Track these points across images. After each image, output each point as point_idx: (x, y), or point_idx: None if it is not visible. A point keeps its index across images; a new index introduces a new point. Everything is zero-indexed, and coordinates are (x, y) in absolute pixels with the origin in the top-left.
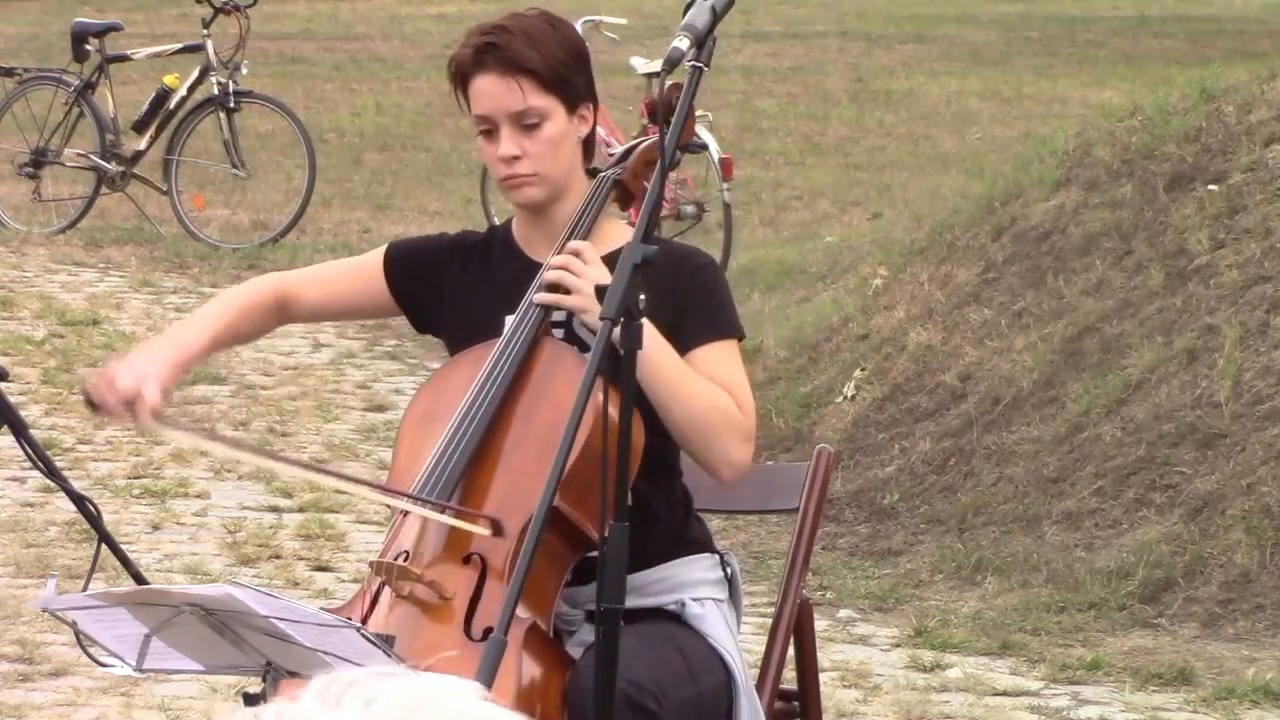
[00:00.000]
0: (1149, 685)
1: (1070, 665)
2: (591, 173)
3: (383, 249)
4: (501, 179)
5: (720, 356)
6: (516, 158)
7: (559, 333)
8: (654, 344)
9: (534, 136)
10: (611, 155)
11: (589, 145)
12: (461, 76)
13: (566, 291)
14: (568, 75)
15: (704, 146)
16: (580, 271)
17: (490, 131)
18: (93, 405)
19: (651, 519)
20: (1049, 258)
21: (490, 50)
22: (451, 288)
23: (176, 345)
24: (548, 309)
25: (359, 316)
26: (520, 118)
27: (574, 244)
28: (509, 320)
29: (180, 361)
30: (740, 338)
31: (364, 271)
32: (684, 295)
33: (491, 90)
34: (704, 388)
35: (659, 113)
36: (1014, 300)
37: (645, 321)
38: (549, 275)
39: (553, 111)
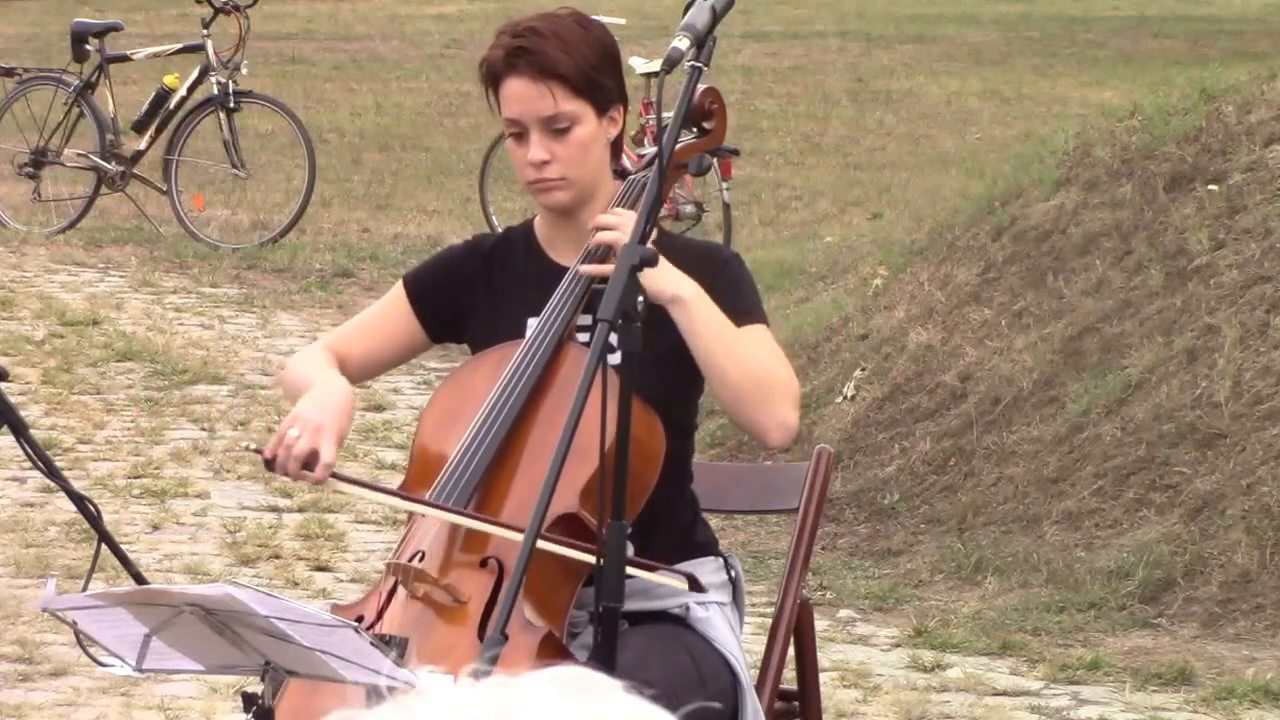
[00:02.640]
0: (1149, 685)
1: (1070, 665)
2: (620, 174)
3: (399, 286)
4: (530, 182)
5: (757, 334)
6: (546, 162)
7: (583, 337)
8: (705, 305)
9: (564, 141)
10: (641, 157)
11: (617, 146)
12: (492, 78)
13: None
14: (598, 78)
15: (735, 151)
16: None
17: (520, 135)
18: (270, 464)
19: (661, 521)
20: (1049, 258)
21: (522, 54)
22: (472, 295)
23: (333, 393)
24: (573, 312)
25: (399, 360)
26: (551, 122)
27: (619, 210)
28: (532, 323)
29: (346, 408)
30: (768, 325)
31: (390, 312)
32: (715, 286)
33: (522, 94)
34: (756, 350)
35: (691, 116)
36: (1014, 300)
37: (694, 284)
38: (599, 237)
39: (583, 116)
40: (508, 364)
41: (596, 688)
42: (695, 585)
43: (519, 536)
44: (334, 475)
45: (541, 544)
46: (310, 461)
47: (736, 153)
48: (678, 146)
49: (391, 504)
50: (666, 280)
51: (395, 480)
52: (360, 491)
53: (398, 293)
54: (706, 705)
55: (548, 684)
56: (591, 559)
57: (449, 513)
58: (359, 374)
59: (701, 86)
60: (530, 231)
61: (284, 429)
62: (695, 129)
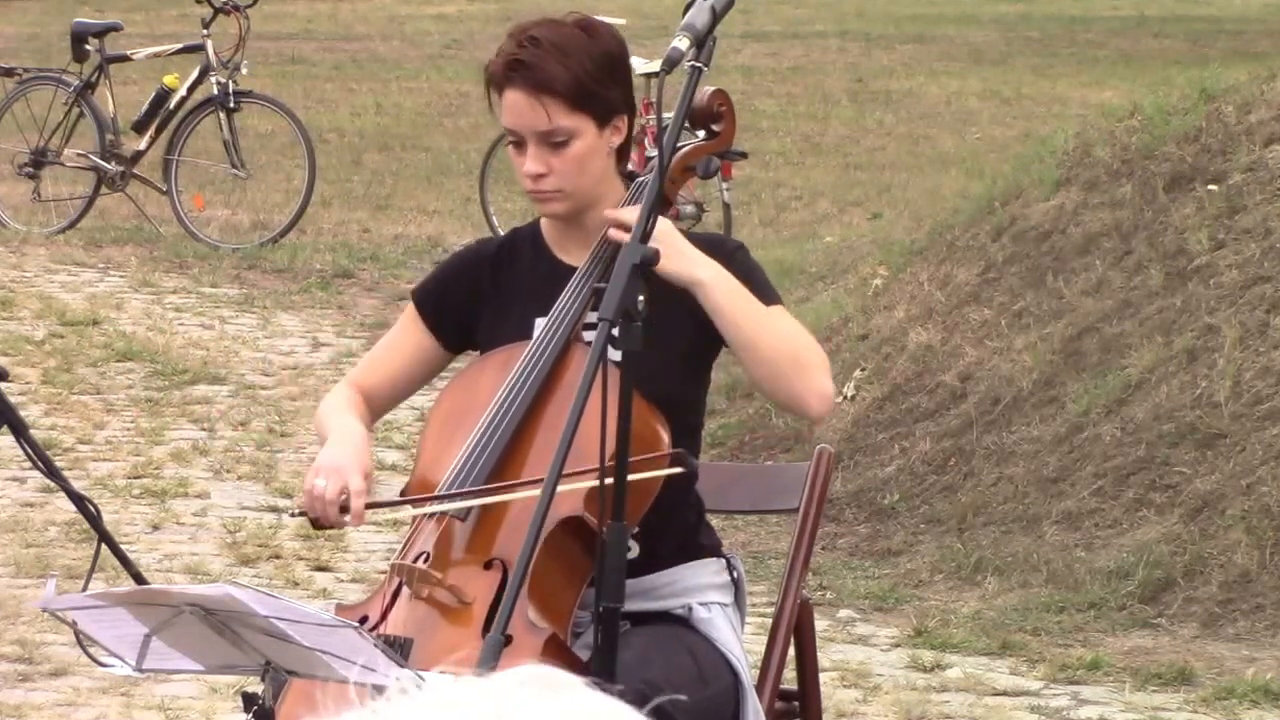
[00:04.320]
0: (1149, 685)
1: (1070, 665)
2: (630, 176)
3: (410, 305)
4: (527, 191)
5: (778, 313)
6: (543, 175)
7: (590, 336)
8: (729, 285)
9: (561, 154)
10: (649, 160)
11: (624, 150)
12: (493, 86)
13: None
14: (598, 91)
15: (743, 154)
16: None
17: (518, 143)
18: (318, 526)
19: (666, 521)
20: (1049, 258)
21: (519, 68)
22: (480, 298)
23: (348, 434)
24: (580, 313)
25: (423, 379)
26: (547, 136)
27: (629, 208)
28: (539, 323)
29: (361, 445)
30: (783, 307)
31: (406, 332)
32: None
33: (518, 107)
34: (785, 324)
35: (699, 118)
36: (1014, 300)
37: (716, 264)
38: (612, 234)
39: (581, 130)
40: (514, 365)
41: (563, 686)
42: (678, 460)
43: (514, 496)
44: (370, 504)
45: (562, 486)
46: (345, 503)
47: (745, 155)
48: (686, 149)
49: (431, 511)
50: (687, 264)
51: (397, 482)
52: (400, 510)
53: (409, 311)
54: (674, 698)
55: (516, 683)
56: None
57: (479, 496)
58: (387, 402)
59: (710, 89)
60: (537, 231)
61: (310, 484)
62: (704, 131)
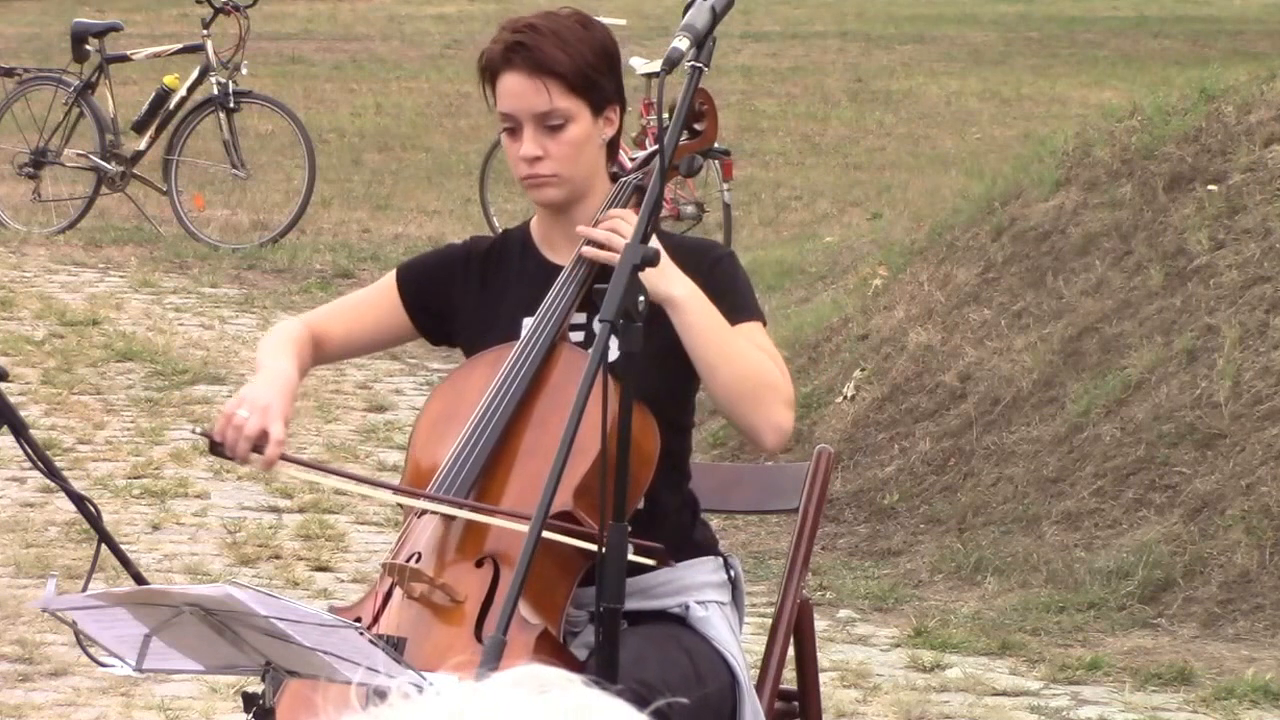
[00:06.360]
0: (1149, 685)
1: (1070, 665)
2: (614, 176)
3: (392, 274)
4: (522, 177)
5: (752, 334)
6: (539, 158)
7: (577, 336)
8: (701, 306)
9: (557, 138)
10: (635, 159)
11: (613, 147)
12: (489, 72)
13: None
14: (595, 78)
15: (726, 153)
16: (628, 234)
17: (514, 129)
18: (216, 448)
19: (659, 521)
20: (1049, 258)
21: (519, 50)
22: (467, 295)
23: (280, 377)
24: (567, 312)
25: (382, 345)
26: (544, 118)
27: (619, 210)
28: (527, 322)
29: (290, 392)
30: (764, 322)
31: (379, 298)
32: (709, 284)
33: (518, 89)
34: (751, 352)
35: (686, 118)
36: (1014, 300)
37: (691, 284)
38: (598, 232)
39: (578, 114)
40: (502, 365)
41: (558, 685)
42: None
43: (500, 522)
44: (284, 457)
45: (546, 533)
46: (260, 442)
47: (728, 154)
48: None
49: (343, 486)
50: (663, 280)
51: (396, 481)
52: (310, 474)
53: (389, 281)
54: (674, 700)
55: (511, 684)
56: (590, 548)
57: (416, 498)
58: (338, 353)
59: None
60: (527, 232)
61: (230, 410)
62: (686, 131)
